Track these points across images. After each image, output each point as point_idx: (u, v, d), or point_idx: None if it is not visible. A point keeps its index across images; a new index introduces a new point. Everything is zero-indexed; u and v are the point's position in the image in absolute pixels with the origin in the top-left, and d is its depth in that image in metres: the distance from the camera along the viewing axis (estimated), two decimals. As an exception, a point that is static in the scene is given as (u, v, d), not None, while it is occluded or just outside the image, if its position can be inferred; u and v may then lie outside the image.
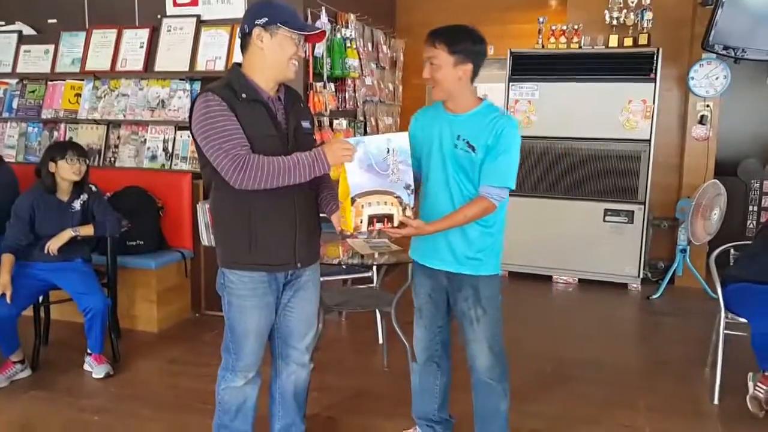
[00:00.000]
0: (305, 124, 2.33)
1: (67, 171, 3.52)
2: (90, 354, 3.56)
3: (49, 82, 4.98)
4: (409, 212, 2.23)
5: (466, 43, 2.32)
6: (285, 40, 2.17)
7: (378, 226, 2.19)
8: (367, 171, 2.15)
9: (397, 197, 2.19)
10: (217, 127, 2.08)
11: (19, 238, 3.51)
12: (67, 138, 4.80)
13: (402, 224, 2.21)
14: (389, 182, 2.18)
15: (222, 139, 2.07)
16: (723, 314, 3.29)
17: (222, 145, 2.06)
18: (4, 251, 3.46)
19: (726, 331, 3.28)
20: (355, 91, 5.12)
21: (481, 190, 2.32)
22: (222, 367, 2.42)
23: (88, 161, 3.65)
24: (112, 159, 4.74)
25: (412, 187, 2.24)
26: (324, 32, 2.27)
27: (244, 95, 2.15)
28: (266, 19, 2.15)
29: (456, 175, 2.36)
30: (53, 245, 3.46)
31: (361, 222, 2.15)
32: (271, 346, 2.49)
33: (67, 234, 3.49)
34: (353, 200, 2.13)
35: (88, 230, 3.57)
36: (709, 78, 5.42)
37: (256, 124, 2.14)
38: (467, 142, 2.33)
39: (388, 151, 2.18)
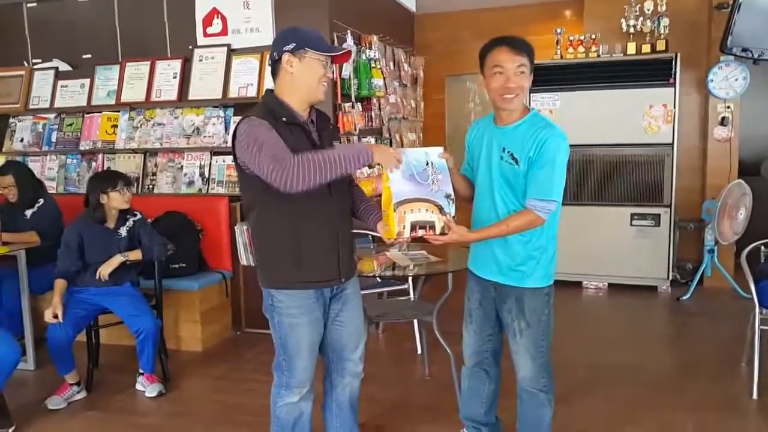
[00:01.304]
0: (336, 144, 2.44)
1: (118, 201, 3.68)
2: (142, 374, 3.69)
3: (86, 115, 5.16)
4: (450, 220, 2.28)
5: (533, 55, 2.37)
6: (313, 62, 2.28)
7: (420, 232, 2.23)
8: (409, 180, 2.23)
9: (438, 206, 2.25)
10: (261, 138, 2.15)
11: (69, 266, 3.67)
12: (105, 167, 4.98)
13: (444, 231, 2.26)
14: (430, 191, 2.25)
15: (266, 146, 2.13)
16: (758, 310, 3.35)
17: (267, 151, 2.12)
18: (57, 277, 3.63)
19: (762, 327, 3.34)
20: (380, 109, 5.26)
21: (527, 203, 2.33)
22: (276, 385, 2.49)
23: (132, 189, 3.82)
24: (151, 186, 4.91)
25: (453, 196, 2.30)
26: (349, 52, 2.38)
27: (284, 118, 2.26)
28: (294, 44, 2.25)
29: (500, 187, 2.40)
30: (104, 271, 3.61)
31: (404, 228, 2.20)
32: (324, 360, 2.57)
33: (117, 260, 3.64)
34: (395, 208, 2.20)
35: (136, 255, 3.72)
36: (728, 80, 5.49)
37: (296, 146, 2.21)
38: (511, 155, 2.36)
39: (427, 164, 2.27)
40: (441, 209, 2.26)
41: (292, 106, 2.31)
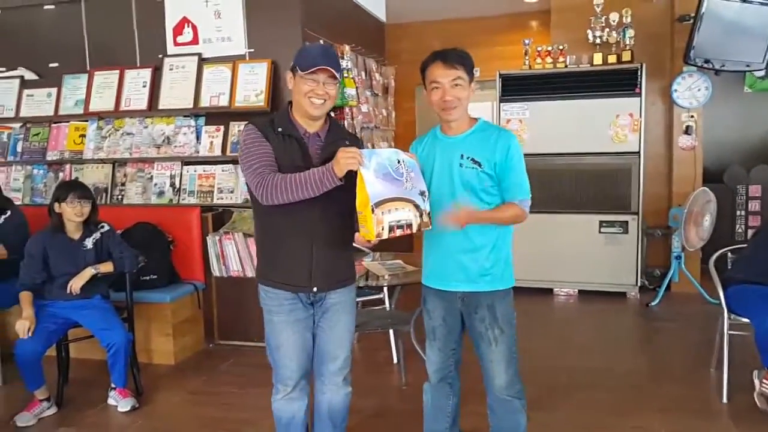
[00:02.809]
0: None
1: (69, 213, 3.61)
2: (114, 388, 3.62)
3: (53, 125, 5.07)
4: (425, 218, 2.31)
5: (472, 65, 2.45)
6: (299, 80, 2.38)
7: (398, 232, 2.24)
8: (384, 179, 2.23)
9: (414, 204, 2.27)
10: (250, 152, 2.35)
11: (33, 277, 3.59)
12: (73, 178, 4.89)
13: (421, 229, 2.29)
14: (404, 190, 2.26)
15: (252, 160, 2.34)
16: (726, 315, 3.43)
17: (252, 165, 2.33)
18: (21, 290, 3.55)
19: (731, 332, 3.42)
20: (353, 118, 5.26)
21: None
22: (273, 382, 2.59)
23: (94, 201, 3.74)
24: (120, 197, 4.83)
25: (426, 193, 2.33)
26: (325, 68, 2.36)
27: (280, 129, 2.40)
28: (293, 63, 2.42)
29: (461, 194, 2.43)
30: (76, 284, 3.54)
31: (383, 230, 2.20)
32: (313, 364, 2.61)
33: (88, 272, 3.58)
34: (373, 209, 2.19)
35: (108, 267, 3.66)
36: (691, 90, 5.64)
37: (287, 156, 2.37)
38: (472, 159, 2.42)
39: (398, 162, 2.30)
40: (417, 206, 2.28)
41: (297, 119, 2.44)
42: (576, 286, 5.84)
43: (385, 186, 2.23)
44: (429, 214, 2.34)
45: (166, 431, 3.37)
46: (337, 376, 2.58)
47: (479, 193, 2.43)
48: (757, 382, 3.28)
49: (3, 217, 4.24)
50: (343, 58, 5.07)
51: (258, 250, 2.58)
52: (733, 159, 6.36)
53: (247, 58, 4.58)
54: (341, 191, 2.27)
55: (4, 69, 5.27)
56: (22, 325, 3.38)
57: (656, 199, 5.95)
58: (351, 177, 2.23)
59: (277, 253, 2.45)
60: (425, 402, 2.77)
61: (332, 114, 2.55)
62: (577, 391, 3.66)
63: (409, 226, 2.26)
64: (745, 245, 3.81)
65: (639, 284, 5.67)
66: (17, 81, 5.14)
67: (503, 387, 2.52)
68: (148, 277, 4.29)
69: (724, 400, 3.41)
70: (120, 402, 3.58)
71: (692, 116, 5.72)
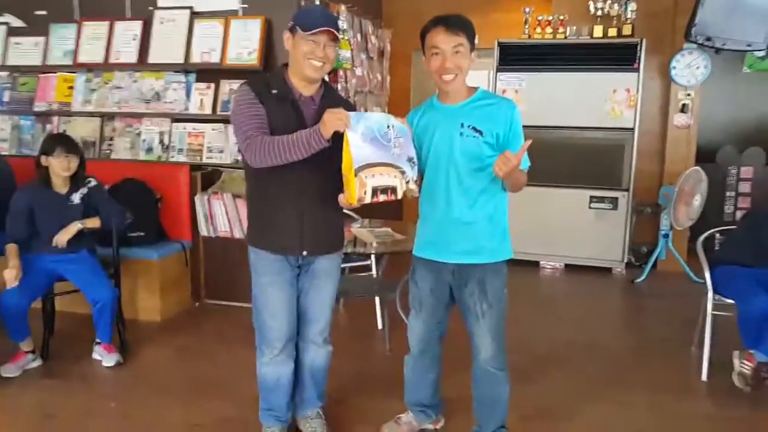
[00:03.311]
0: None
1: (56, 167, 3.55)
2: (99, 343, 3.61)
3: (41, 75, 4.96)
4: (413, 185, 2.30)
5: (474, 32, 2.39)
6: (300, 40, 2.34)
7: (382, 197, 2.23)
8: (371, 143, 2.21)
9: (400, 170, 2.26)
10: (241, 113, 2.35)
11: (19, 231, 3.55)
12: (60, 130, 4.81)
13: (407, 195, 2.29)
14: (392, 155, 2.25)
15: (242, 122, 2.34)
16: (711, 295, 3.45)
17: (241, 127, 2.34)
18: (7, 242, 3.50)
19: (714, 312, 3.45)
20: (347, 81, 5.19)
21: None
22: (256, 345, 2.61)
23: (82, 155, 3.67)
24: (108, 151, 4.76)
25: (415, 159, 2.32)
26: (328, 30, 2.33)
27: (275, 91, 2.37)
28: (291, 23, 2.37)
29: (461, 162, 2.38)
30: (62, 238, 3.50)
31: (365, 194, 2.19)
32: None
33: (74, 227, 3.53)
34: (356, 173, 2.18)
35: (95, 223, 3.61)
36: (690, 67, 5.60)
37: (281, 118, 2.35)
38: (473, 128, 2.37)
39: (388, 126, 2.27)
40: (403, 173, 2.27)
41: (293, 81, 2.41)
42: (562, 260, 5.86)
43: (371, 150, 2.21)
44: (416, 181, 2.33)
45: (151, 386, 3.38)
46: (318, 336, 2.65)
47: (481, 159, 2.39)
48: (736, 362, 3.31)
49: (-13, 166, 4.18)
50: (338, 18, 4.97)
51: (249, 213, 2.58)
52: (726, 139, 6.35)
53: (241, 13, 4.47)
54: (332, 154, 2.24)
55: (-11, 15, 5.13)
56: (10, 273, 3.34)
57: (648, 176, 5.93)
58: (340, 139, 2.21)
59: (267, 216, 2.46)
60: (406, 374, 2.78)
61: (326, 77, 2.51)
62: (560, 364, 3.69)
63: (394, 191, 2.25)
64: (734, 227, 3.82)
65: (625, 260, 5.69)
66: (3, 28, 5.02)
67: (488, 359, 2.53)
68: (135, 234, 4.25)
69: (704, 377, 3.46)
70: (105, 357, 3.58)
71: (689, 94, 5.69)
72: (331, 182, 2.37)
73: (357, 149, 2.19)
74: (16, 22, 5.05)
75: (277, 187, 2.41)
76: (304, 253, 2.47)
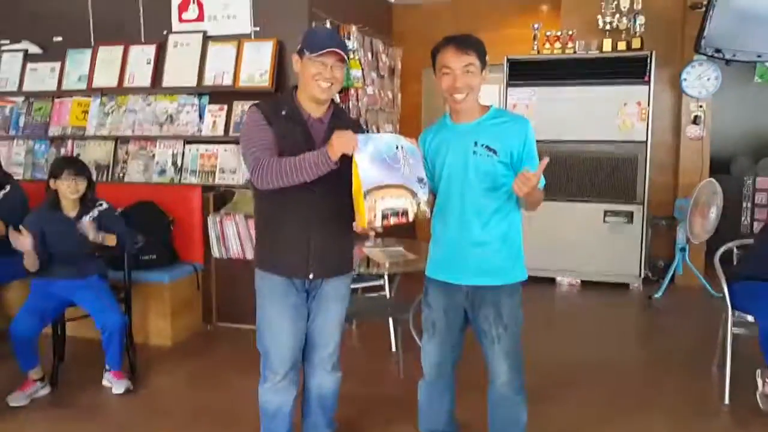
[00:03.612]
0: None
1: (63, 189, 3.54)
2: (109, 370, 3.59)
3: (56, 100, 5.02)
4: (424, 206, 2.26)
5: (484, 51, 2.37)
6: (307, 62, 2.35)
7: (392, 220, 2.19)
8: (380, 165, 2.18)
9: (411, 192, 2.22)
10: (249, 135, 2.36)
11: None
12: (74, 154, 4.85)
13: (420, 215, 2.26)
14: (401, 176, 2.21)
15: (250, 144, 2.34)
16: (730, 312, 3.37)
17: (250, 148, 2.33)
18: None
19: (734, 330, 3.36)
20: (358, 100, 5.20)
21: None
22: (260, 370, 2.57)
23: (90, 177, 3.66)
24: (121, 174, 4.79)
25: (425, 180, 2.28)
26: (334, 51, 2.32)
27: (284, 112, 2.38)
28: (300, 45, 2.39)
29: (477, 181, 2.35)
30: (89, 226, 3.49)
31: (375, 217, 2.15)
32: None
33: (93, 233, 3.50)
34: (366, 195, 2.14)
35: (111, 240, 3.59)
36: (701, 79, 5.57)
37: (290, 140, 2.34)
38: (486, 147, 2.34)
39: (397, 147, 2.24)
40: (414, 194, 2.23)
41: (302, 102, 2.41)
42: (579, 275, 5.80)
43: (380, 171, 2.18)
44: (428, 202, 2.30)
45: (161, 414, 3.34)
46: (326, 362, 2.60)
47: (495, 179, 2.36)
48: (760, 381, 3.22)
49: (2, 192, 4.20)
50: (349, 38, 4.99)
51: (256, 235, 2.56)
52: (740, 150, 6.29)
53: (253, 37, 4.51)
54: (341, 177, 2.22)
55: (7, 41, 5.20)
56: (23, 240, 3.34)
57: (662, 188, 5.88)
58: (350, 162, 2.19)
59: (274, 238, 2.44)
60: (420, 401, 2.71)
61: (337, 97, 2.52)
62: (577, 385, 3.63)
63: (405, 214, 2.21)
64: (752, 240, 3.74)
65: (642, 275, 5.62)
66: (21, 54, 5.09)
67: (506, 384, 2.47)
68: (147, 257, 4.25)
69: (726, 400, 3.34)
70: (114, 384, 3.55)
71: (701, 106, 5.64)
72: (339, 205, 2.35)
73: (365, 171, 2.16)
74: (33, 49, 5.11)
75: (284, 209, 2.39)
76: (311, 276, 2.44)
